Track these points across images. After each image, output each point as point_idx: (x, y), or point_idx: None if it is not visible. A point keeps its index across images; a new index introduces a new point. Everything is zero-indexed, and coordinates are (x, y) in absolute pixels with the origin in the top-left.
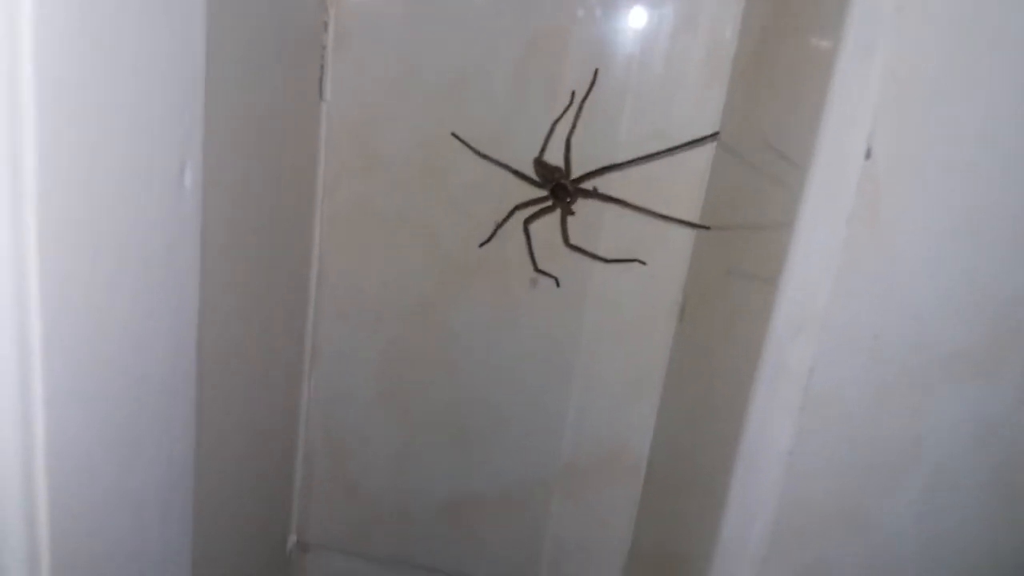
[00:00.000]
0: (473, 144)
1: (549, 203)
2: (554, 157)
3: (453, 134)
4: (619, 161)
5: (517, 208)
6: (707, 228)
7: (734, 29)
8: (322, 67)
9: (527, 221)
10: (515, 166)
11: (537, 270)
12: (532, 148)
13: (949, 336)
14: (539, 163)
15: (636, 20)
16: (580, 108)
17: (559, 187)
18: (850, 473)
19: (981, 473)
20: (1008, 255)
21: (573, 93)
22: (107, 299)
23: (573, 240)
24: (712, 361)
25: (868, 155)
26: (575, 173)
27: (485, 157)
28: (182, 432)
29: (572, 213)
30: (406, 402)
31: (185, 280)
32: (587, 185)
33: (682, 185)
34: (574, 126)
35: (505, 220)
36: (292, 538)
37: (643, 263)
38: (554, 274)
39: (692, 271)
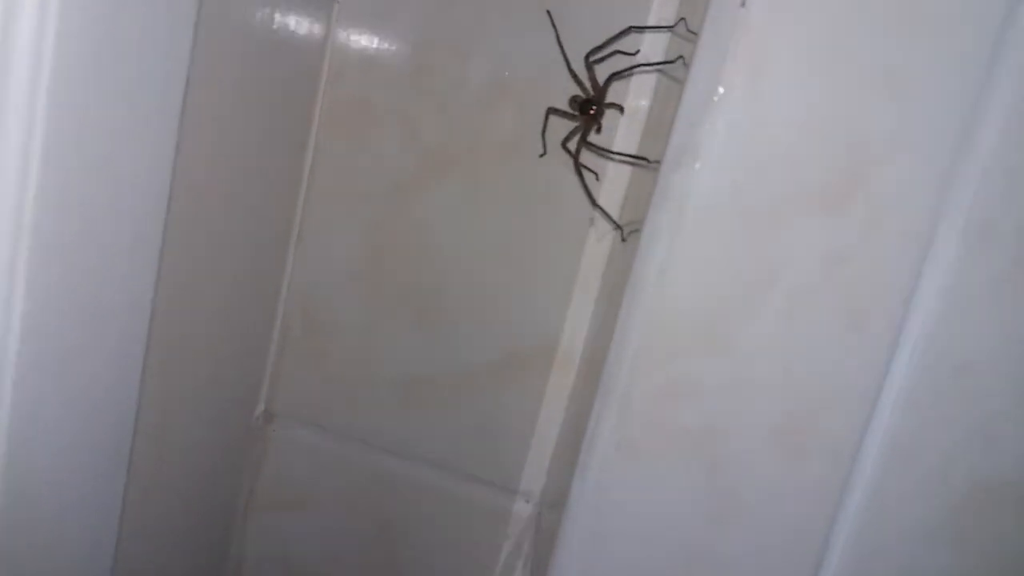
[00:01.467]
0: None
1: (578, 121)
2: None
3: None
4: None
5: (550, 111)
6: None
7: None
8: None
9: (567, 143)
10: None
11: (595, 205)
12: (503, 55)
13: (804, 174)
14: (572, 99)
15: None
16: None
17: (585, 103)
18: (712, 295)
19: (831, 301)
20: (857, 101)
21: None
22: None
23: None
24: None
25: (743, 3)
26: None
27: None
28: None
29: (599, 128)
30: (376, 283)
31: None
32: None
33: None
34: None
35: (545, 124)
36: (260, 406)
37: (649, 161)
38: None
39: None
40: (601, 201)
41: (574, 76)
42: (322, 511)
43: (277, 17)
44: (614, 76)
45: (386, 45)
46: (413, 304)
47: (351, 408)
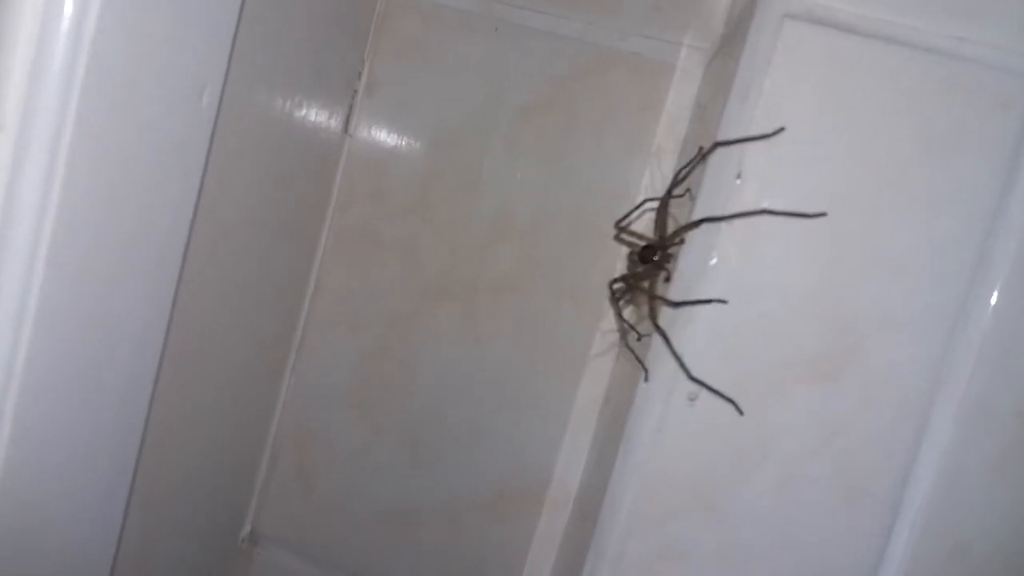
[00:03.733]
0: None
1: (640, 271)
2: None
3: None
4: (719, 214)
5: (613, 283)
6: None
7: None
8: (351, 107)
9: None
10: (495, 207)
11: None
12: (509, 196)
13: (797, 344)
14: (630, 254)
15: None
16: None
17: (645, 249)
18: (708, 461)
19: (825, 471)
20: (851, 277)
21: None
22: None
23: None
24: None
25: (739, 176)
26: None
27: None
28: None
29: (668, 279)
30: (369, 413)
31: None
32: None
33: None
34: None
35: (612, 296)
36: (247, 528)
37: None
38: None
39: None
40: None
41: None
42: None
43: (289, 148)
44: (704, 221)
45: (394, 177)
46: (405, 436)
47: (337, 537)
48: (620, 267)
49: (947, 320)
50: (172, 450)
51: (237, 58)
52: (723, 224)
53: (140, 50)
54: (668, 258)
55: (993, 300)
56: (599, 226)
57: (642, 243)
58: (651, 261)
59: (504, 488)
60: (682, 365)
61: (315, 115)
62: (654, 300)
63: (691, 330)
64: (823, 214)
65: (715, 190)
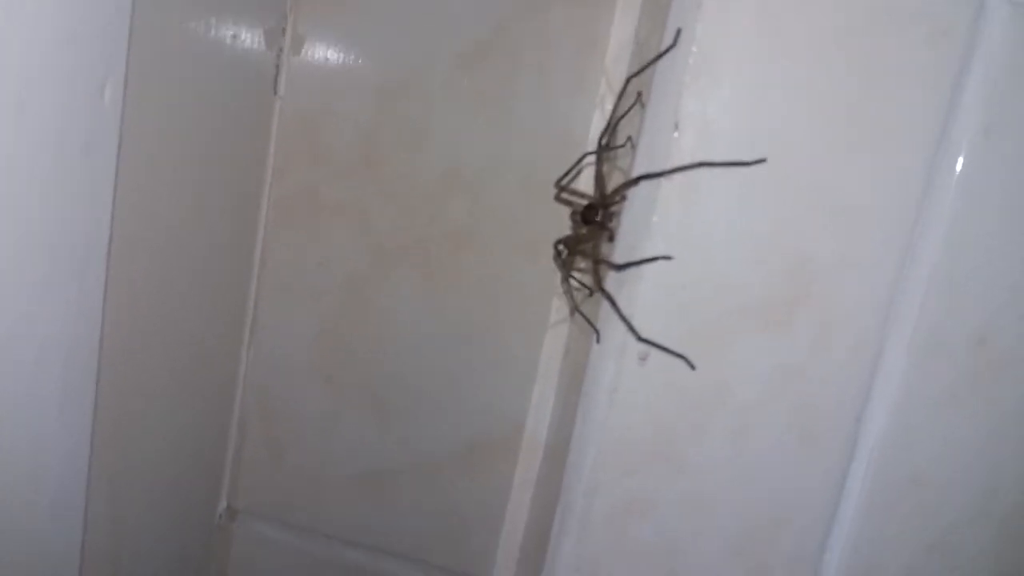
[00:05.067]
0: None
1: (583, 232)
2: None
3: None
4: (658, 170)
5: (558, 243)
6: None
7: None
8: (277, 67)
9: (567, 264)
10: (443, 161)
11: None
12: (456, 149)
13: (749, 292)
14: (572, 214)
15: None
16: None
17: (587, 209)
18: (665, 415)
19: (781, 416)
20: (797, 221)
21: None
22: None
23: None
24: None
25: (676, 127)
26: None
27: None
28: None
29: (612, 238)
30: (334, 377)
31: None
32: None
33: None
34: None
35: (559, 259)
36: (223, 503)
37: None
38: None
39: None
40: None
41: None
42: None
43: (217, 116)
44: (642, 178)
45: (332, 137)
46: (373, 396)
47: (314, 502)
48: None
49: (896, 257)
50: (132, 436)
51: (136, 42)
52: (663, 178)
53: (34, 48)
54: (611, 217)
55: (940, 233)
56: (550, 176)
57: (584, 202)
58: (594, 222)
59: (476, 440)
60: (630, 327)
61: (239, 78)
62: (598, 264)
63: (639, 289)
64: (763, 160)
65: (653, 143)
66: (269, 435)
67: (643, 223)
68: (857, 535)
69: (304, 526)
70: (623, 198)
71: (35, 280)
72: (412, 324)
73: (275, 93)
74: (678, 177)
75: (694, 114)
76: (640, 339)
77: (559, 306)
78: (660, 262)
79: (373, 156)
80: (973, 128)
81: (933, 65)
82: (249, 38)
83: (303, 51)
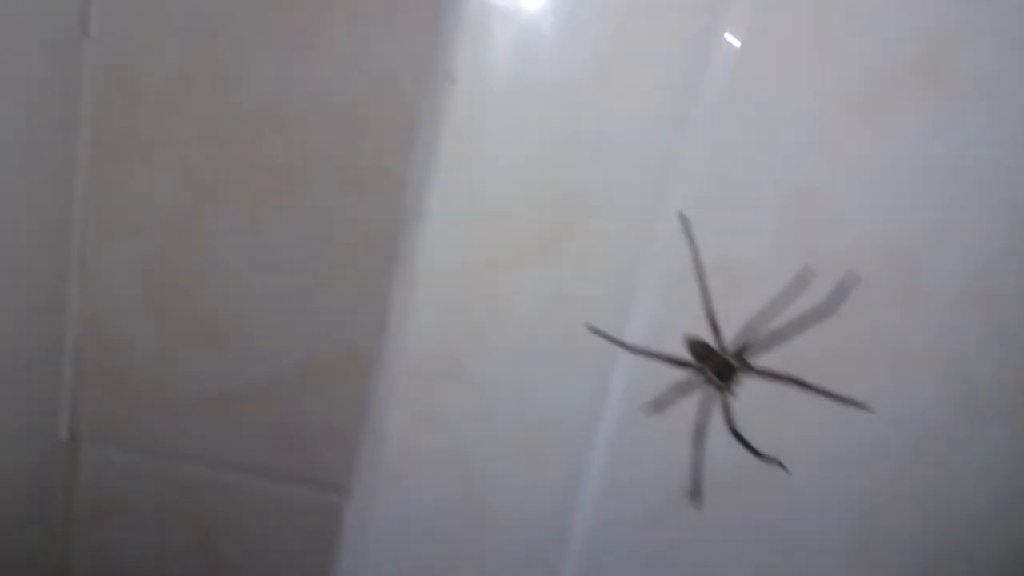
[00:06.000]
0: None
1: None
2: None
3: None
4: (778, 327)
5: (677, 389)
6: None
7: None
8: (84, 6)
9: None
10: (260, 97)
11: (697, 483)
12: (274, 87)
13: (519, 228)
14: (693, 342)
15: None
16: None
17: (724, 366)
18: (453, 335)
19: (553, 337)
20: (563, 161)
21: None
22: None
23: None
24: None
25: (453, 79)
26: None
27: (632, 349)
28: None
29: (734, 395)
30: (167, 308)
31: None
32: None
33: None
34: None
35: (666, 398)
36: (64, 430)
37: (786, 470)
38: None
39: None
40: None
41: (711, 317)
42: (144, 523)
43: (20, 59)
44: (773, 339)
45: (148, 76)
46: (207, 325)
47: (158, 425)
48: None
49: (649, 195)
50: None
51: None
52: (443, 127)
53: None
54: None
55: (688, 171)
56: (371, 112)
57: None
58: (726, 379)
59: (316, 361)
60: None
61: (44, 21)
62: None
63: (425, 224)
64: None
65: (435, 91)
66: (107, 365)
67: (427, 162)
68: (618, 436)
69: (150, 448)
70: None
71: None
72: (240, 256)
73: (86, 35)
74: (454, 121)
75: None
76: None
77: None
78: (443, 202)
79: (190, 94)
80: (719, 80)
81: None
82: None
83: None
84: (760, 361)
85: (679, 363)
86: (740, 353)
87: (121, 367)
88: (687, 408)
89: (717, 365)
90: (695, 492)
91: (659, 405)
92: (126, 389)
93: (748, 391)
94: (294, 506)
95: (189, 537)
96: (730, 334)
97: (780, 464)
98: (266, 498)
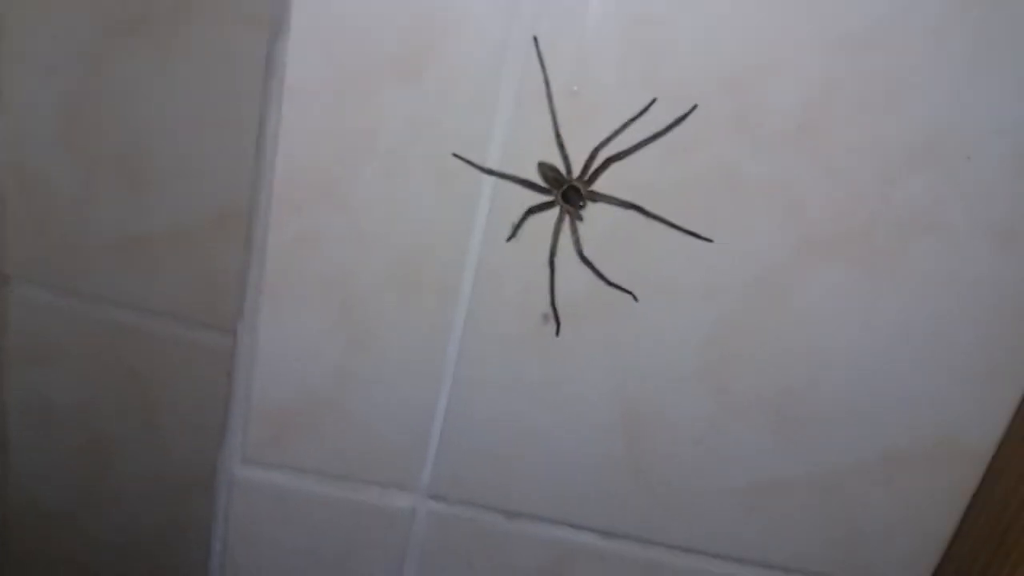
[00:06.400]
0: None
1: (556, 208)
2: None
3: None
4: (619, 150)
5: (529, 212)
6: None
7: None
8: None
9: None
10: None
11: (552, 308)
12: None
13: (387, 46)
14: (543, 165)
15: None
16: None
17: (571, 190)
18: (323, 157)
19: (421, 159)
20: None
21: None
22: None
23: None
24: None
25: None
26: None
27: (491, 173)
28: None
29: (581, 219)
30: (83, 150)
31: None
32: (598, 187)
33: None
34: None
35: (521, 222)
36: None
37: (635, 298)
38: None
39: None
40: None
41: (559, 142)
42: (73, 363)
43: None
44: (614, 159)
45: None
46: (123, 166)
47: (81, 267)
48: None
49: (503, 14)
50: None
51: None
52: None
53: None
54: (586, 202)
55: None
56: None
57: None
58: (573, 204)
59: (229, 207)
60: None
61: None
62: (577, 233)
63: (290, 39)
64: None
65: None
66: (30, 207)
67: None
68: (486, 257)
69: (75, 290)
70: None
71: None
72: (149, 97)
73: None
74: None
75: None
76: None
77: None
78: (309, 25)
79: None
80: None
81: None
82: None
83: None
84: (607, 190)
85: (533, 187)
86: (585, 178)
87: (43, 208)
88: (548, 235)
89: (565, 189)
90: (553, 318)
91: (515, 230)
92: (49, 230)
93: (598, 220)
94: (214, 352)
95: (116, 379)
96: (580, 160)
97: (629, 292)
98: (185, 342)
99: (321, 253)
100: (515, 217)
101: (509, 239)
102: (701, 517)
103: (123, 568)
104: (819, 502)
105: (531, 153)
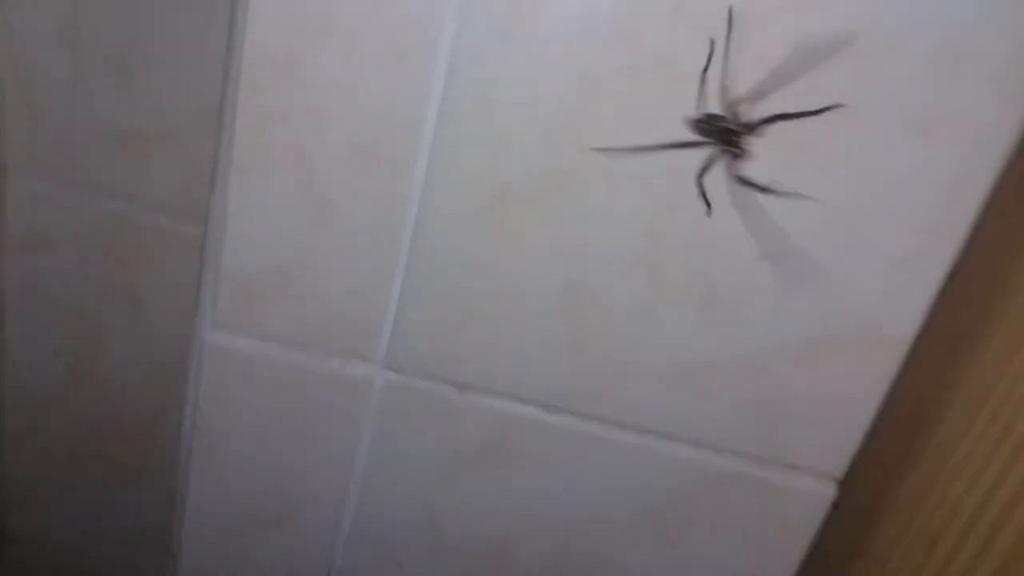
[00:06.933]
0: None
1: (718, 154)
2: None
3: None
4: (788, 111)
5: (700, 179)
6: None
7: None
8: None
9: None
10: None
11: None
12: None
13: None
14: (694, 122)
15: None
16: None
17: (728, 132)
18: (284, 36)
19: (379, 43)
20: None
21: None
22: None
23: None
24: None
25: None
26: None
27: (642, 149)
28: None
29: (745, 156)
30: (80, 44)
31: None
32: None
33: None
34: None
35: (702, 192)
36: None
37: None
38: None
39: None
40: None
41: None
42: (68, 251)
43: None
44: (782, 117)
45: None
46: (118, 59)
47: (75, 158)
48: None
49: None
50: None
51: None
52: None
53: None
54: (747, 135)
55: None
56: None
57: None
58: (735, 145)
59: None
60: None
61: None
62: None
63: None
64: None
65: None
66: (27, 97)
67: None
68: (440, 137)
69: (70, 181)
70: None
71: None
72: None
73: None
74: None
75: None
76: None
77: None
78: None
79: None
80: None
81: None
82: None
83: None
84: None
85: (685, 146)
86: (741, 121)
87: (41, 103)
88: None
89: (725, 136)
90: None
91: (708, 204)
92: (46, 121)
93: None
94: (195, 242)
95: (106, 270)
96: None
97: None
98: (169, 232)
99: (285, 130)
100: (474, 96)
101: (708, 213)
102: (635, 395)
103: (112, 449)
104: (745, 383)
105: (484, 33)
